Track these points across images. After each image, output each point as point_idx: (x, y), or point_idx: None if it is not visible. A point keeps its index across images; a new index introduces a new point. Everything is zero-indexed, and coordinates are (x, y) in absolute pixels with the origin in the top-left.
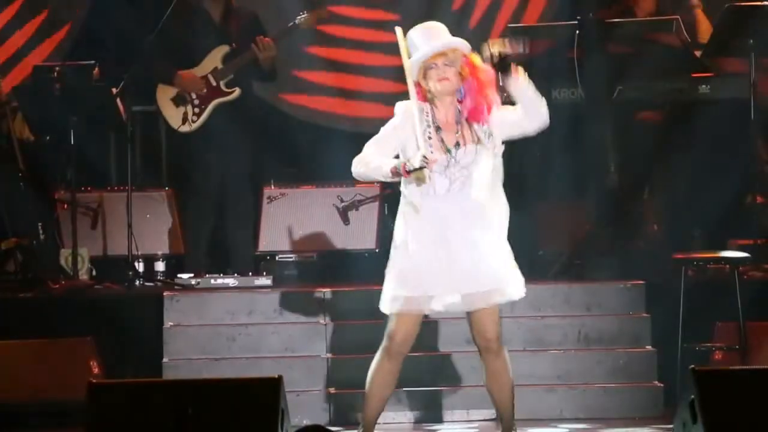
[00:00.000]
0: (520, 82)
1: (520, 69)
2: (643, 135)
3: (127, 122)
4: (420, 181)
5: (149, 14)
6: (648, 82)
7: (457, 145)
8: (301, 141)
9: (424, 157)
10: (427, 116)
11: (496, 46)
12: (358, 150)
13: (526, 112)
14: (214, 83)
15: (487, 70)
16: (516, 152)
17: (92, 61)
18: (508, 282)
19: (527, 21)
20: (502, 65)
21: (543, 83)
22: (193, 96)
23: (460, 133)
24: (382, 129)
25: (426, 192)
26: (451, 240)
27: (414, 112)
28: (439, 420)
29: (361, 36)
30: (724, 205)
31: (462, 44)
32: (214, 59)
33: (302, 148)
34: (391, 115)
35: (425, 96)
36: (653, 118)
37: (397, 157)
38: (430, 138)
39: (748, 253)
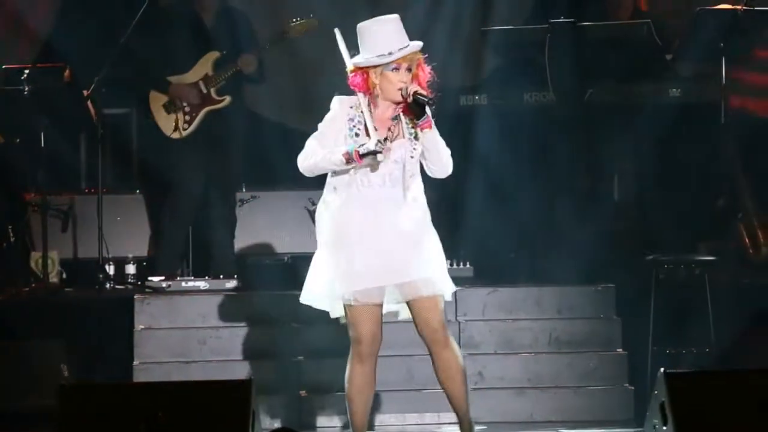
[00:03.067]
0: (426, 133)
1: (431, 122)
2: (613, 138)
3: (98, 124)
4: (373, 166)
5: (122, 18)
6: (619, 85)
7: (386, 140)
8: (272, 143)
9: (380, 141)
10: (362, 112)
11: (412, 87)
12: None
13: (427, 160)
14: (205, 90)
15: (429, 71)
16: (486, 156)
17: (63, 63)
18: (444, 275)
19: (499, 23)
20: (415, 104)
21: (515, 86)
22: (185, 103)
23: (392, 131)
24: (320, 125)
25: (360, 184)
26: (385, 231)
27: (361, 101)
28: (410, 422)
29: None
30: (694, 208)
31: (421, 45)
32: (205, 65)
33: (274, 151)
34: None
35: (369, 88)
36: (623, 120)
37: None
38: (357, 135)
39: (719, 256)
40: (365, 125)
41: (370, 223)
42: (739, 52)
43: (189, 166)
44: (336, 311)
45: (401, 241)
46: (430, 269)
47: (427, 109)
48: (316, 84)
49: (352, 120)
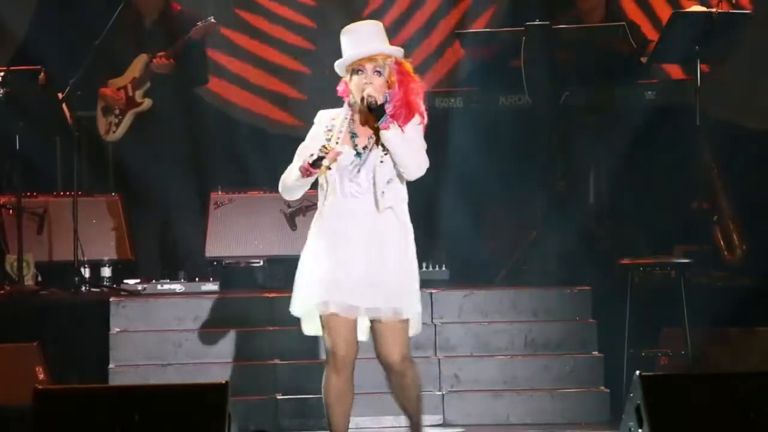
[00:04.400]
0: (386, 135)
1: (393, 124)
2: (588, 141)
3: (74, 127)
4: (321, 172)
5: (97, 21)
6: (594, 88)
7: (365, 147)
8: (249, 146)
9: (324, 147)
10: (344, 120)
11: (366, 90)
12: None
13: (394, 161)
14: (131, 93)
15: (417, 81)
16: (462, 159)
17: (38, 66)
18: (410, 302)
19: (474, 26)
20: (370, 110)
21: (490, 89)
22: (115, 107)
23: (374, 137)
24: (299, 146)
25: (338, 193)
26: (356, 246)
27: (344, 110)
28: (386, 424)
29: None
30: (670, 210)
31: (395, 51)
32: (134, 68)
33: (250, 154)
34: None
35: (348, 94)
36: (599, 123)
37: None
38: (328, 140)
39: (694, 258)
40: (349, 132)
41: (342, 236)
42: (714, 56)
43: (163, 168)
44: (307, 326)
45: (371, 261)
46: (390, 295)
47: (387, 110)
48: (295, 86)
49: (330, 130)
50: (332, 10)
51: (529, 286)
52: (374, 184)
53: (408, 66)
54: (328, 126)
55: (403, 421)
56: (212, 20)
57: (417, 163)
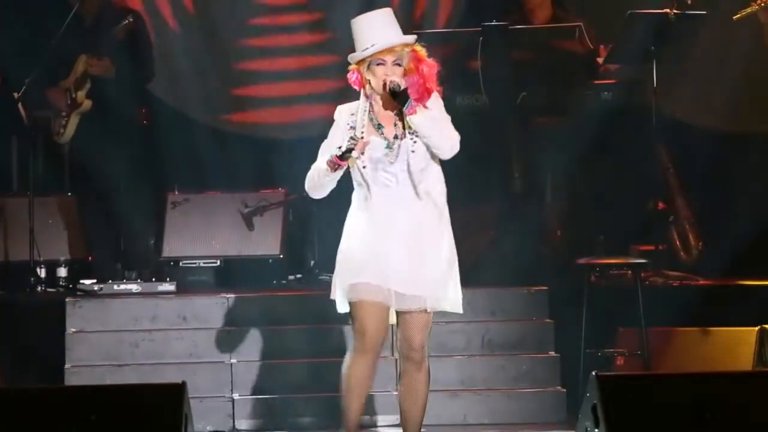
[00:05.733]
0: (414, 119)
1: (417, 105)
2: (545, 141)
3: (29, 126)
4: (350, 164)
5: (53, 20)
6: (551, 88)
7: (396, 137)
8: (206, 145)
9: (352, 138)
10: (364, 113)
11: (388, 78)
12: (263, 156)
13: (427, 143)
14: (73, 95)
15: (431, 63)
16: None
17: None
18: (445, 292)
19: (432, 27)
20: (394, 95)
21: (447, 89)
22: (60, 107)
23: (399, 125)
24: (324, 141)
25: (375, 188)
26: (392, 236)
27: (361, 101)
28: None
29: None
30: (626, 211)
31: (411, 40)
32: (76, 69)
33: (207, 154)
34: (292, 120)
35: (363, 85)
36: (556, 124)
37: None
38: (362, 134)
39: (650, 258)
40: (375, 124)
41: (384, 226)
42: (670, 56)
43: (119, 168)
44: (344, 305)
45: (407, 249)
46: (423, 285)
47: (409, 96)
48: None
49: (353, 127)
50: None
51: (486, 286)
52: (410, 174)
53: (421, 51)
54: (349, 122)
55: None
56: (131, 19)
57: (450, 143)
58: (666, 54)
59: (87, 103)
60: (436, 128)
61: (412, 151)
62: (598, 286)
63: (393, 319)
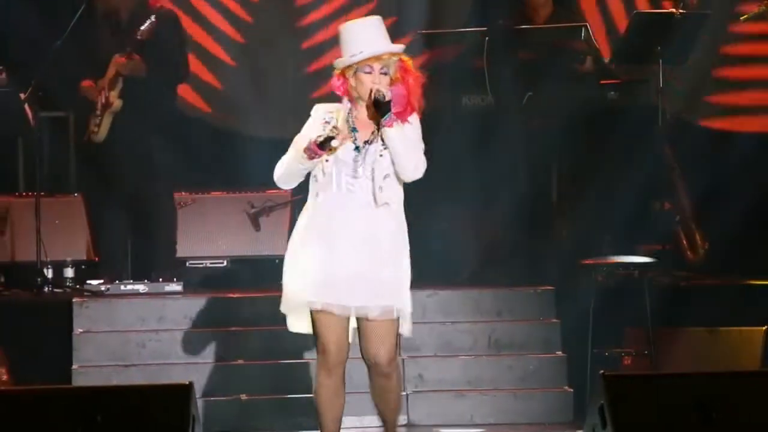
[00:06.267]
0: (388, 132)
1: (396, 120)
2: (551, 141)
3: (36, 127)
4: (331, 151)
5: (59, 20)
6: (557, 88)
7: (366, 143)
8: (212, 147)
9: (334, 127)
10: (348, 114)
11: (375, 86)
12: (269, 156)
13: (394, 162)
14: (107, 93)
15: (417, 76)
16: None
17: None
18: (402, 303)
19: (438, 27)
20: (377, 105)
21: (453, 89)
22: (97, 107)
23: (374, 133)
24: (297, 136)
25: (333, 186)
26: (351, 241)
27: (343, 105)
28: (348, 425)
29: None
30: (632, 211)
31: (400, 48)
32: (110, 68)
33: (213, 155)
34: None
35: (348, 91)
36: (561, 124)
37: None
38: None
39: (656, 258)
40: (343, 126)
41: (336, 231)
42: (675, 56)
43: (127, 169)
44: (295, 322)
45: (364, 257)
46: (387, 295)
47: (391, 108)
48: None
49: (328, 123)
50: None
51: (492, 286)
52: (372, 179)
53: (409, 61)
54: (326, 118)
55: (366, 421)
56: (153, 20)
57: (414, 164)
58: (671, 53)
59: (118, 103)
60: (408, 147)
61: (380, 155)
62: (604, 286)
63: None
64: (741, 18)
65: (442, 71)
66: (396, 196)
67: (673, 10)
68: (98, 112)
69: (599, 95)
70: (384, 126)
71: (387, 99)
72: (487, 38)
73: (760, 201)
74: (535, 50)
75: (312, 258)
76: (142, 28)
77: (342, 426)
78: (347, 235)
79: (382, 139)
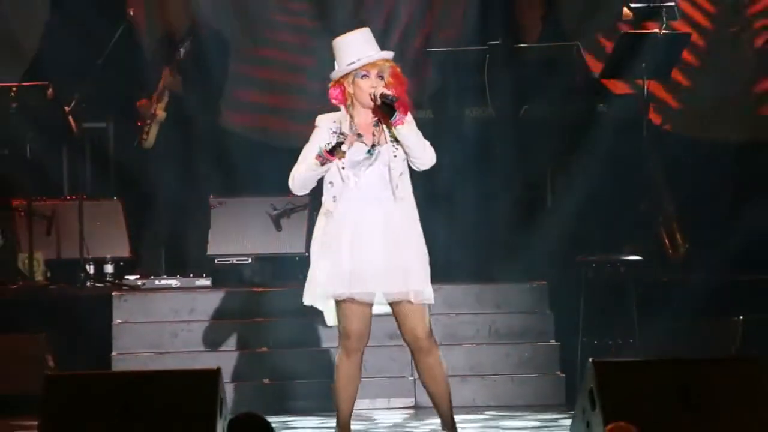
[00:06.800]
0: (400, 130)
1: (404, 116)
2: (546, 149)
3: (79, 137)
4: (341, 155)
5: (100, 40)
6: (551, 101)
7: (374, 146)
8: (239, 155)
9: (341, 133)
10: (345, 122)
11: (379, 90)
12: (291, 164)
13: (408, 156)
14: (154, 105)
15: (405, 79)
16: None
17: (46, 82)
18: (426, 283)
19: (442, 45)
20: (384, 108)
21: (457, 102)
22: (145, 116)
23: (377, 136)
24: (304, 147)
25: (352, 186)
26: (374, 235)
27: (342, 114)
28: (363, 407)
29: (292, 59)
30: (619, 212)
31: (391, 55)
32: (161, 82)
33: (240, 162)
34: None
35: (345, 99)
36: (555, 133)
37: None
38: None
39: (641, 256)
40: (355, 133)
41: (360, 226)
42: (659, 72)
43: (163, 175)
44: (329, 317)
45: (389, 248)
46: (416, 278)
47: (396, 108)
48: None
49: (335, 132)
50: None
51: (492, 281)
52: (390, 178)
53: (397, 67)
54: (333, 128)
55: (378, 403)
56: (189, 43)
57: (430, 154)
58: (655, 70)
59: (162, 114)
60: (420, 139)
61: (394, 156)
62: (594, 281)
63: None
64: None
65: (446, 85)
66: (409, 191)
67: (656, 30)
68: (148, 121)
69: (589, 107)
70: (395, 125)
71: (394, 100)
72: (487, 56)
73: (735, 203)
74: (531, 67)
75: (336, 255)
76: (181, 49)
77: (356, 407)
78: (369, 230)
79: (394, 140)
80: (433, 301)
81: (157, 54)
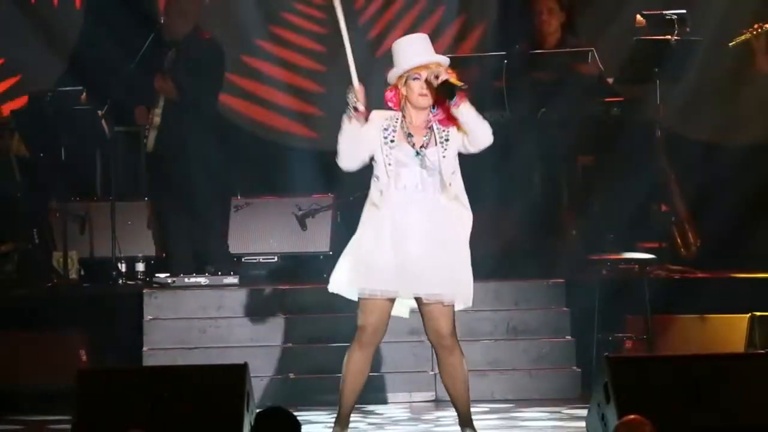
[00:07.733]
0: (461, 109)
1: (463, 98)
2: (562, 151)
3: (111, 140)
4: (357, 112)
5: (131, 45)
6: (567, 105)
7: (423, 147)
8: (265, 157)
9: (351, 86)
10: (397, 122)
11: (442, 77)
12: (315, 165)
13: (469, 135)
14: (151, 112)
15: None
16: None
17: (80, 87)
18: (459, 285)
19: (462, 51)
20: (444, 90)
21: (476, 105)
22: (144, 123)
23: (428, 136)
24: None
25: (393, 187)
26: (410, 236)
27: (398, 115)
28: (384, 401)
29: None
30: (633, 212)
31: (446, 60)
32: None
33: (266, 164)
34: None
35: (399, 102)
36: (571, 136)
37: (372, 159)
38: (393, 142)
39: (654, 254)
40: (405, 133)
41: (400, 225)
42: (671, 76)
43: (189, 177)
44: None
45: (429, 247)
46: (440, 285)
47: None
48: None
49: (386, 129)
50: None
51: (510, 279)
52: (441, 178)
53: (452, 72)
54: (384, 126)
55: (400, 397)
56: (173, 53)
57: (488, 132)
58: (668, 75)
59: (156, 120)
60: (478, 116)
61: (443, 157)
62: (608, 279)
63: (405, 313)
64: (730, 44)
65: (467, 90)
66: (461, 188)
67: (670, 36)
68: (147, 127)
69: (604, 111)
70: (455, 105)
71: (455, 83)
72: (505, 61)
73: (745, 204)
74: (548, 72)
75: (371, 249)
76: (169, 54)
77: (395, 401)
78: (411, 229)
79: (441, 138)
80: (471, 304)
81: (150, 55)
